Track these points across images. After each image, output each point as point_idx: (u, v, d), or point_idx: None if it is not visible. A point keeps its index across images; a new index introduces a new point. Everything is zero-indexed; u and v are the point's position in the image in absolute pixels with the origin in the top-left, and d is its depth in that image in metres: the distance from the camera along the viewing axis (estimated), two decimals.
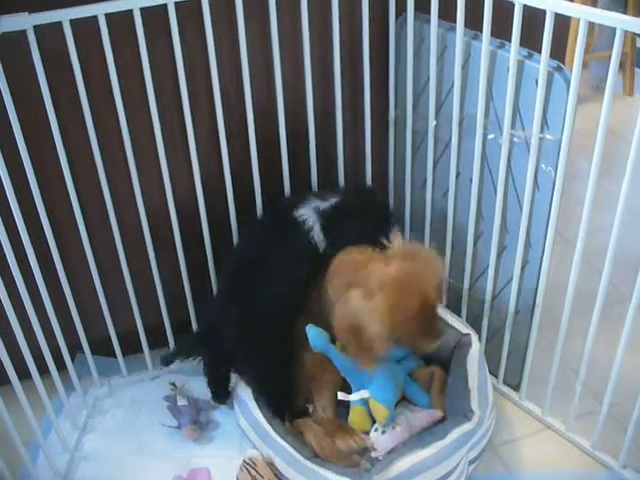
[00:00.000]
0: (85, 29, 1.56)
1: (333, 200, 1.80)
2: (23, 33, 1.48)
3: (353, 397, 1.77)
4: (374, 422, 1.80)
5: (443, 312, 1.95)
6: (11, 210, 1.58)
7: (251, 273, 1.78)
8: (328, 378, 1.81)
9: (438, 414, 1.80)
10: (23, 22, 1.46)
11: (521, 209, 1.69)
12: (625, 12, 3.51)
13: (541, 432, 1.91)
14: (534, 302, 1.79)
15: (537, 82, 1.52)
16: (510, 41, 1.53)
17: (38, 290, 1.72)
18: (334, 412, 1.82)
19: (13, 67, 1.52)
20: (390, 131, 2.04)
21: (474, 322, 1.98)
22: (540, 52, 1.48)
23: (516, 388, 1.99)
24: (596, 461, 1.81)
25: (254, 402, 1.82)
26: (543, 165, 1.61)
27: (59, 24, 1.52)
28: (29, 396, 1.66)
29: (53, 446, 1.84)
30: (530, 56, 1.58)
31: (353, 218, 1.78)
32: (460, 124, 1.78)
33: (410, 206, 2.08)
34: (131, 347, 2.09)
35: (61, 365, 1.86)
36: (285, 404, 1.82)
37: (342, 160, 2.00)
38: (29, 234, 1.64)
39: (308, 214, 1.76)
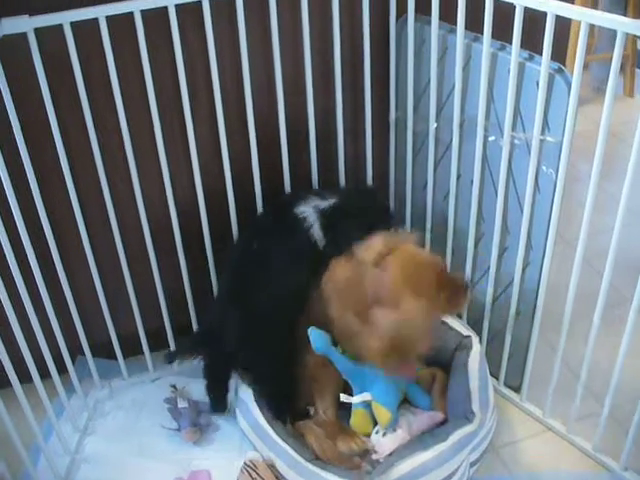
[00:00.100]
0: (86, 31, 1.56)
1: (333, 200, 1.80)
2: (24, 35, 1.48)
3: (355, 399, 1.76)
4: (375, 425, 1.80)
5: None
6: (11, 211, 1.58)
7: (251, 272, 1.78)
8: (329, 380, 1.81)
9: (439, 416, 1.80)
10: (24, 24, 1.47)
11: (522, 211, 1.69)
12: (625, 13, 3.51)
13: (542, 434, 1.91)
14: (535, 304, 1.79)
15: (538, 84, 1.52)
16: (511, 43, 1.53)
17: (39, 292, 1.72)
18: (335, 414, 1.82)
19: (14, 69, 1.52)
20: (391, 133, 2.04)
21: (475, 324, 1.98)
22: (541, 54, 1.48)
23: (517, 390, 1.99)
24: (597, 463, 1.81)
25: (255, 404, 1.82)
26: (544, 167, 1.61)
27: (60, 26, 1.52)
28: (30, 398, 1.66)
29: (54, 448, 1.84)
30: (531, 58, 1.58)
31: (352, 218, 1.77)
32: (461, 126, 1.78)
33: (411, 208, 2.08)
34: (132, 349, 2.09)
35: (62, 367, 1.85)
36: (286, 406, 1.82)
37: (343, 161, 2.00)
38: (29, 235, 1.64)
39: (308, 212, 1.77)
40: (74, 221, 1.77)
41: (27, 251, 1.65)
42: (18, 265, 1.59)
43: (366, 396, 1.76)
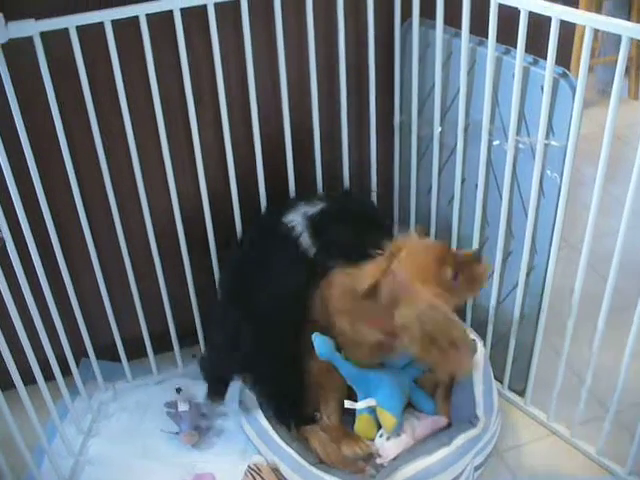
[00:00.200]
0: (91, 35, 1.56)
1: (320, 205, 1.80)
2: (30, 39, 1.48)
3: (360, 405, 1.76)
4: (379, 429, 1.80)
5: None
6: (17, 214, 1.59)
7: (249, 274, 1.78)
8: (333, 386, 1.81)
9: (443, 421, 1.80)
10: (30, 28, 1.47)
11: (526, 215, 1.69)
12: (629, 18, 3.51)
13: (546, 438, 1.91)
14: (539, 308, 1.78)
15: (542, 88, 1.52)
16: (515, 47, 1.53)
17: (43, 294, 1.72)
18: (339, 419, 1.82)
19: (20, 72, 1.53)
20: (395, 137, 2.05)
21: (479, 328, 1.98)
22: (545, 58, 1.48)
23: (521, 394, 1.99)
24: (601, 467, 1.81)
25: (259, 408, 1.82)
26: (548, 171, 1.61)
27: (65, 30, 1.52)
28: (34, 400, 1.66)
29: (58, 450, 1.84)
30: (535, 62, 1.58)
31: (341, 223, 1.77)
32: (465, 130, 1.78)
33: (415, 212, 2.08)
34: (136, 352, 2.09)
35: (66, 370, 1.85)
36: (289, 409, 1.82)
37: (347, 166, 2.00)
38: (34, 238, 1.65)
39: (297, 220, 1.76)
40: (79, 224, 1.77)
41: (32, 253, 1.65)
42: (23, 267, 1.60)
43: (370, 401, 1.75)
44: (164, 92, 1.71)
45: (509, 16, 1.52)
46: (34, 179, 1.63)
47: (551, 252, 1.68)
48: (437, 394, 1.88)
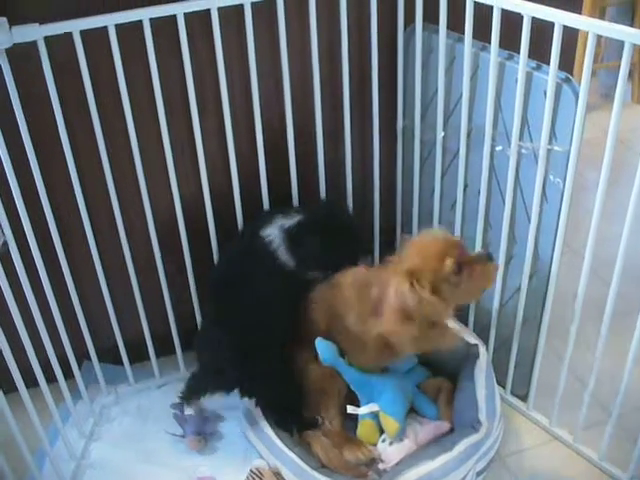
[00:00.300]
0: (95, 40, 1.56)
1: (297, 217, 1.79)
2: (34, 44, 1.48)
3: (363, 410, 1.76)
4: (382, 434, 1.80)
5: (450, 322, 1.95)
6: (19, 217, 1.60)
7: (231, 291, 1.80)
8: (336, 391, 1.81)
9: (445, 426, 1.80)
10: (34, 33, 1.47)
11: (529, 220, 1.69)
12: (632, 24, 3.51)
13: (549, 443, 1.91)
14: (542, 312, 1.78)
15: (545, 94, 1.52)
16: (518, 52, 1.53)
17: (46, 297, 1.73)
18: (341, 425, 1.82)
19: (24, 76, 1.53)
20: (398, 141, 2.05)
21: (482, 332, 1.97)
22: (548, 64, 1.48)
23: (524, 399, 1.98)
24: (604, 472, 1.80)
25: (260, 412, 1.82)
26: (551, 177, 1.61)
27: (69, 35, 1.52)
28: (36, 403, 1.67)
29: (59, 454, 1.84)
30: (538, 68, 1.58)
31: (317, 235, 1.77)
32: (468, 135, 1.78)
33: (418, 216, 2.08)
34: (138, 355, 2.09)
35: (68, 373, 1.86)
36: (290, 417, 1.82)
37: (350, 170, 2.00)
38: (37, 241, 1.65)
39: (274, 234, 1.77)
40: (82, 227, 1.77)
41: (34, 256, 1.65)
42: (25, 270, 1.61)
43: (373, 407, 1.76)
44: (167, 96, 1.72)
45: (512, 21, 1.52)
46: (37, 182, 1.63)
47: (554, 257, 1.68)
48: (440, 399, 1.88)
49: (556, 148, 1.57)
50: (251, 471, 1.74)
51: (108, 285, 1.90)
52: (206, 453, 1.90)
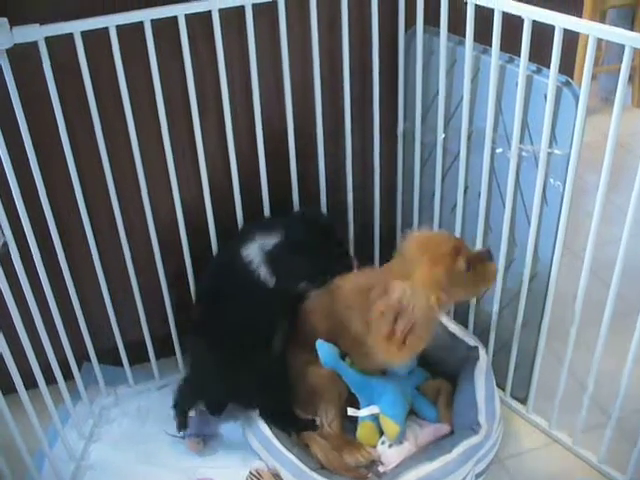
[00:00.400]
0: (96, 40, 1.56)
1: (277, 237, 1.77)
2: (35, 44, 1.49)
3: (363, 413, 1.77)
4: (382, 436, 1.80)
5: (450, 325, 1.96)
6: (19, 218, 1.60)
7: (214, 306, 1.81)
8: (336, 394, 1.81)
9: (445, 428, 1.80)
10: (34, 33, 1.47)
11: (529, 223, 1.69)
12: (632, 27, 3.52)
13: (548, 446, 1.91)
14: (542, 315, 1.78)
15: (546, 97, 1.52)
16: (519, 56, 1.53)
17: (45, 298, 1.72)
18: (340, 427, 1.82)
19: (24, 77, 1.53)
20: (399, 144, 2.05)
21: (482, 334, 1.98)
22: (549, 67, 1.48)
23: (523, 401, 1.98)
24: (603, 475, 1.80)
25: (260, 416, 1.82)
26: (551, 180, 1.61)
27: (70, 36, 1.52)
28: (35, 405, 1.66)
29: (59, 455, 1.84)
30: (539, 71, 1.58)
31: (297, 254, 1.77)
32: (469, 137, 1.78)
33: (418, 218, 2.08)
34: (138, 356, 2.09)
35: (68, 374, 1.86)
36: (287, 422, 1.83)
37: (350, 171, 2.00)
38: (37, 242, 1.65)
39: (254, 254, 1.76)
40: (82, 227, 1.77)
41: (34, 257, 1.65)
42: (25, 270, 1.61)
43: (374, 409, 1.76)
44: (168, 97, 1.72)
45: (513, 25, 1.52)
46: (37, 183, 1.63)
47: (554, 259, 1.68)
48: (439, 401, 1.88)
49: (556, 151, 1.57)
50: (250, 473, 1.74)
51: (108, 286, 1.90)
52: (206, 454, 1.90)
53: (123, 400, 2.09)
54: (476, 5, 1.59)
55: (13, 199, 1.57)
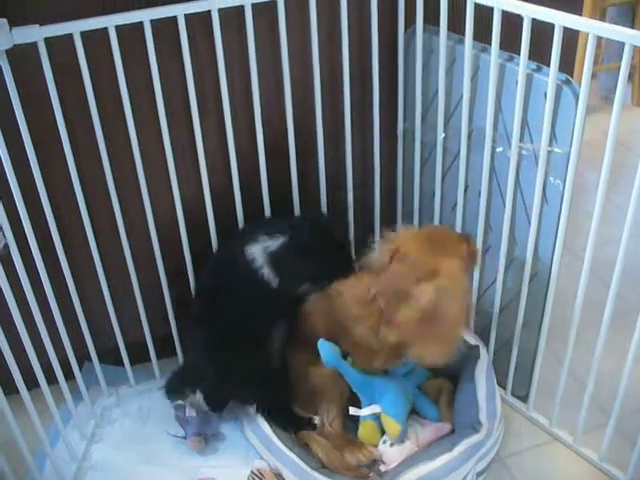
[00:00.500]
0: (95, 41, 1.56)
1: (282, 239, 1.78)
2: (34, 45, 1.48)
3: (364, 412, 1.77)
4: (383, 435, 1.80)
5: None
6: (20, 218, 1.60)
7: (216, 300, 1.81)
8: (337, 393, 1.81)
9: (447, 427, 1.80)
10: (34, 34, 1.47)
11: (529, 222, 1.69)
12: (633, 25, 3.51)
13: (549, 444, 1.91)
14: (542, 314, 1.78)
15: (546, 95, 1.52)
16: (519, 54, 1.53)
17: (46, 298, 1.72)
18: (341, 426, 1.82)
19: (24, 78, 1.53)
20: (399, 143, 2.05)
21: (482, 333, 1.98)
22: (549, 65, 1.48)
23: (524, 400, 1.98)
24: (604, 474, 1.80)
25: (259, 414, 1.82)
26: (552, 178, 1.61)
27: (70, 36, 1.52)
28: (37, 405, 1.66)
29: (60, 455, 1.84)
30: (539, 69, 1.58)
31: (302, 256, 1.77)
32: (469, 136, 1.78)
33: (419, 218, 2.08)
34: (139, 356, 2.09)
35: (69, 374, 1.86)
36: (286, 420, 1.84)
37: (351, 171, 2.00)
38: (38, 242, 1.65)
39: (257, 253, 1.76)
40: (82, 227, 1.77)
41: (35, 257, 1.65)
42: (26, 270, 1.61)
43: (375, 408, 1.76)
44: (168, 97, 1.72)
45: (512, 23, 1.52)
46: (38, 184, 1.63)
47: (554, 258, 1.68)
48: (440, 400, 1.88)
49: (556, 150, 1.57)
50: (252, 472, 1.74)
51: (109, 286, 1.90)
52: (207, 454, 1.90)
53: (125, 400, 2.09)
54: (476, 3, 1.59)
55: (13, 199, 1.57)
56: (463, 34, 1.66)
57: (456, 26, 1.70)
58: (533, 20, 1.48)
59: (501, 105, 1.68)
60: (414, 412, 1.85)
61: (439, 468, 1.62)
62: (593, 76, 1.48)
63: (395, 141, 2.05)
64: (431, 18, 1.77)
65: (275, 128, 1.88)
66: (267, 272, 1.76)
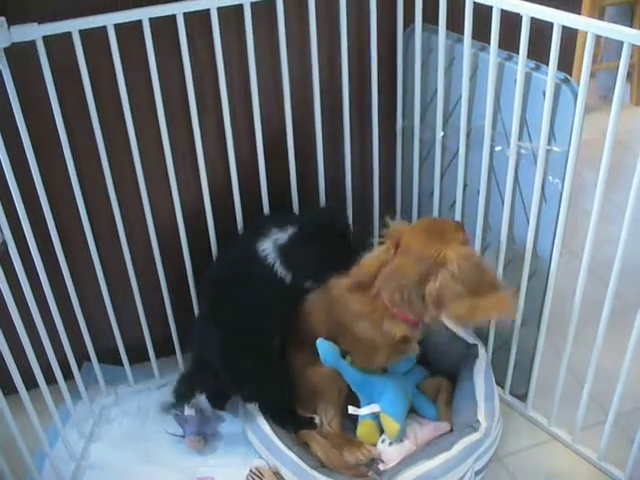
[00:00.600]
0: (94, 39, 1.56)
1: (291, 230, 1.79)
2: (33, 43, 1.48)
3: (364, 411, 1.77)
4: (382, 434, 1.80)
5: (450, 323, 1.96)
6: (19, 219, 1.59)
7: (229, 292, 1.81)
8: (335, 392, 1.81)
9: (445, 427, 1.80)
10: (32, 32, 1.47)
11: (528, 221, 1.69)
12: (631, 24, 3.51)
13: (547, 443, 1.91)
14: (541, 313, 1.78)
15: (544, 94, 1.52)
16: (518, 53, 1.53)
17: (46, 299, 1.72)
18: (340, 426, 1.82)
19: (23, 76, 1.53)
20: (398, 141, 2.05)
21: (481, 332, 1.97)
22: (547, 64, 1.48)
23: (523, 398, 1.98)
24: (602, 472, 1.81)
25: (260, 412, 1.82)
26: (550, 177, 1.61)
27: (68, 34, 1.52)
28: (36, 404, 1.66)
29: (59, 455, 1.84)
30: (537, 68, 1.58)
31: (312, 247, 1.77)
32: (468, 135, 1.78)
33: (417, 216, 2.08)
34: (138, 356, 2.09)
35: (68, 374, 1.86)
36: (286, 418, 1.83)
37: (350, 170, 2.00)
38: (37, 243, 1.65)
39: (269, 249, 1.77)
40: (82, 228, 1.77)
41: (34, 258, 1.65)
42: (25, 271, 1.60)
43: (374, 407, 1.76)
44: (167, 96, 1.71)
45: (511, 22, 1.52)
46: (37, 184, 1.63)
47: (552, 258, 1.68)
48: (439, 399, 1.88)
49: (555, 148, 1.57)
50: (251, 471, 1.74)
51: (108, 286, 1.90)
52: (206, 453, 1.90)
53: (123, 399, 2.09)
54: (474, 2, 1.59)
55: (12, 198, 1.57)
56: (462, 33, 1.66)
57: (455, 25, 1.70)
58: (532, 19, 1.48)
59: (500, 104, 1.68)
60: (413, 411, 1.85)
61: (438, 467, 1.62)
62: (592, 75, 1.48)
63: (394, 140, 2.05)
64: (430, 17, 1.77)
65: (274, 127, 1.88)
66: (279, 267, 1.76)
